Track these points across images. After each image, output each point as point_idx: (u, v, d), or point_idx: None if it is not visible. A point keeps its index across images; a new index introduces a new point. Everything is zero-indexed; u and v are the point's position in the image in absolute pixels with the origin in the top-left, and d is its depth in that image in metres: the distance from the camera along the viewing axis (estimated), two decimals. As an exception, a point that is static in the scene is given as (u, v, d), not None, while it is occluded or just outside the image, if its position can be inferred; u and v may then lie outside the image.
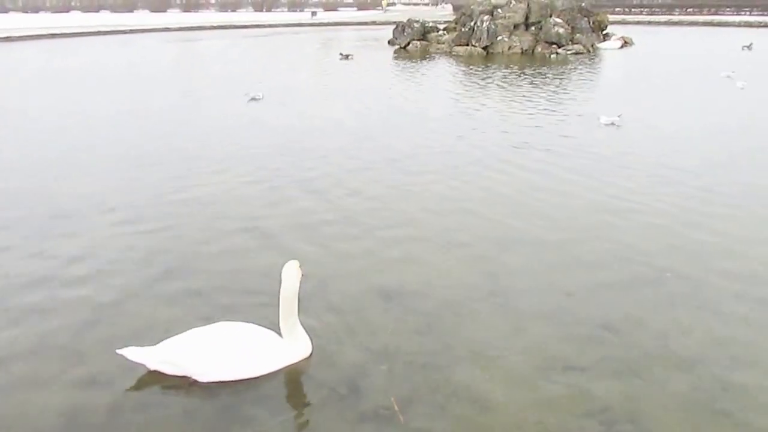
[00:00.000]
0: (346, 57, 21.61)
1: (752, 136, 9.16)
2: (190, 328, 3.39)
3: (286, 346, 3.39)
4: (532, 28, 23.84)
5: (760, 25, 37.20)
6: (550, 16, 23.83)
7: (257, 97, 12.74)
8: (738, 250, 4.91)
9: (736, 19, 42.42)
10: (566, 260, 4.70)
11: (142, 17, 60.73)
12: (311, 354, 3.41)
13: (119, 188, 6.69)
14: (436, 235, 5.24)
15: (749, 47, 22.71)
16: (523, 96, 13.09)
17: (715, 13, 47.86)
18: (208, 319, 3.67)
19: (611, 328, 3.70)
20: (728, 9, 50.01)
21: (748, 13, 48.04)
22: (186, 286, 4.29)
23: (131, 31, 39.03)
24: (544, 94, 13.27)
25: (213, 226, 5.48)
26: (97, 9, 79.54)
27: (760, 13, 46.99)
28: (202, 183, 6.85)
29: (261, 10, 63.51)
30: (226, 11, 62.78)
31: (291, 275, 3.37)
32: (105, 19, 57.85)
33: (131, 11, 75.61)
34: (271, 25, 44.43)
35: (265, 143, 8.79)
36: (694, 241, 5.08)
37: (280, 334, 3.42)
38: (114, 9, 77.80)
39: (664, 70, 17.30)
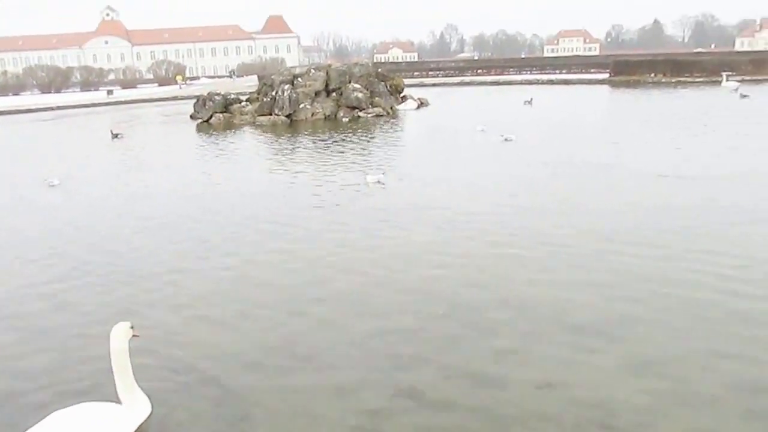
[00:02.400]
0: (116, 136, 20.57)
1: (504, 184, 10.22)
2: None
3: (124, 412, 3.43)
4: (333, 94, 24.99)
5: (538, 82, 43.00)
6: (350, 82, 25.21)
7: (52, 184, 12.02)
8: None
9: (519, 77, 48.34)
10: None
11: None
12: (151, 413, 3.43)
13: None
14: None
15: (530, 102, 25.76)
16: (323, 161, 13.58)
17: (501, 74, 54.23)
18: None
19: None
20: (512, 69, 57.21)
21: (528, 72, 55.15)
22: None
23: None
24: (336, 159, 13.85)
25: None
26: None
27: (539, 71, 54.22)
28: None
29: (49, 92, 59.14)
30: (7, 95, 57.38)
31: (118, 336, 3.57)
32: None
33: None
34: (60, 107, 41.40)
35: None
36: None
37: (118, 400, 3.47)
38: None
39: (450, 127, 19.06)
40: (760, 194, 8.75)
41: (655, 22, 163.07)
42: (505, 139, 14.78)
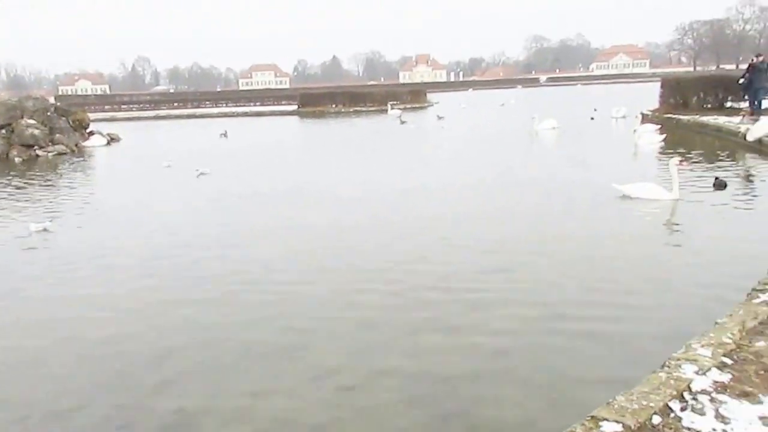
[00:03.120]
0: None
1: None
2: None
3: None
4: (3, 131, 22.37)
5: (234, 114, 44.42)
6: (22, 118, 22.87)
7: None
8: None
9: (215, 111, 49.17)
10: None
11: None
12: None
13: None
14: None
15: (225, 135, 26.46)
16: None
17: (198, 107, 54.41)
18: None
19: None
20: (208, 102, 57.75)
21: (224, 105, 56.32)
22: None
23: None
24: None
25: None
26: None
27: (234, 104, 55.75)
28: None
29: None
30: None
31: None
32: None
33: None
34: None
35: None
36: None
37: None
38: None
39: (142, 162, 18.81)
40: (421, 205, 11.14)
41: (334, 58, 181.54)
42: (201, 173, 14.91)
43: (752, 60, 19.58)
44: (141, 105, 58.65)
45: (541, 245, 7.72)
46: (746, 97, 19.73)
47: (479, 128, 25.52)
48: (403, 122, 29.04)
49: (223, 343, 5.33)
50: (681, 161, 9.78)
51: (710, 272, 6.46)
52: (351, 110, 41.05)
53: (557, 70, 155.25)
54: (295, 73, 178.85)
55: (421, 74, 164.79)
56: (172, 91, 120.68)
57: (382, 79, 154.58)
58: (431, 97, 51.89)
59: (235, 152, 20.60)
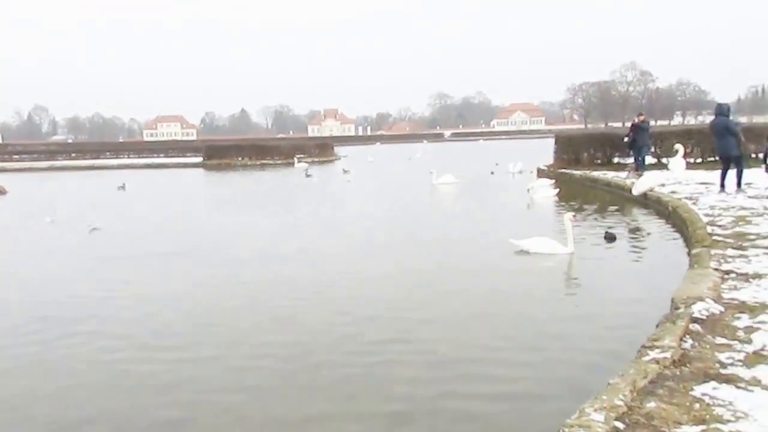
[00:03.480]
0: None
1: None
2: None
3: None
4: None
5: (135, 166, 42.70)
6: None
7: None
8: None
9: (115, 162, 47.05)
10: None
11: None
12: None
13: None
14: None
15: (123, 187, 25.28)
16: None
17: (97, 158, 51.94)
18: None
19: None
20: (108, 153, 55.38)
21: (126, 156, 54.07)
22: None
23: None
24: None
25: None
26: None
27: (136, 156, 53.68)
28: None
29: None
30: None
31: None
32: None
33: None
34: None
35: None
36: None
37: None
38: None
39: (25, 219, 17.41)
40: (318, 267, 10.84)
41: (243, 111, 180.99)
42: (93, 229, 14.08)
43: (634, 120, 21.19)
44: (35, 155, 55.35)
45: (439, 303, 7.63)
46: (632, 153, 21.23)
47: (383, 182, 25.82)
48: (308, 176, 29.00)
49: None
50: (574, 216, 10.20)
51: (605, 327, 6.58)
52: (258, 163, 40.56)
53: (461, 126, 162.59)
54: (202, 125, 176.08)
55: (330, 128, 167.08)
56: (70, 141, 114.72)
57: (291, 132, 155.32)
58: (339, 150, 52.58)
59: (133, 205, 19.63)
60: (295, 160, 37.43)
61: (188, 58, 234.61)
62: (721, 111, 14.08)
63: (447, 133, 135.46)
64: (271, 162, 40.88)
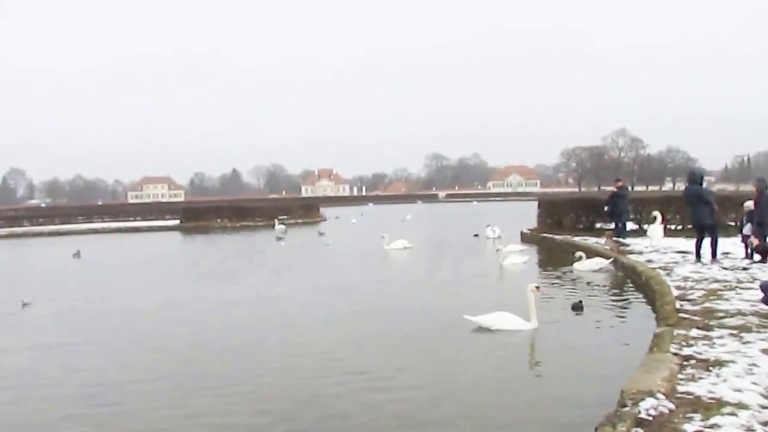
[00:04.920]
0: None
1: None
2: None
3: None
4: None
5: (105, 230, 41.45)
6: None
7: None
8: None
9: (84, 227, 45.08)
10: None
11: None
12: None
13: None
14: None
15: (78, 255, 23.58)
16: None
17: (68, 222, 49.47)
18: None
19: None
20: (81, 217, 53.00)
21: (100, 220, 52.03)
22: None
23: None
24: None
25: None
26: None
27: (111, 219, 51.95)
28: None
29: None
30: None
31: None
32: None
33: None
34: None
35: None
36: None
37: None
38: None
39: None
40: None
41: (234, 170, 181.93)
42: (24, 304, 12.95)
43: (614, 186, 20.92)
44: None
45: (388, 387, 6.94)
46: (612, 220, 20.83)
47: (358, 246, 24.96)
48: (279, 239, 28.38)
49: None
50: (536, 288, 9.51)
51: (567, 405, 6.19)
52: (238, 225, 40.00)
53: (456, 187, 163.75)
54: (191, 186, 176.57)
55: (324, 188, 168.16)
56: (43, 205, 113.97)
57: (284, 193, 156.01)
58: (332, 211, 52.13)
59: (80, 276, 18.32)
60: (276, 222, 36.90)
61: (178, 117, 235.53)
62: (694, 179, 13.73)
63: (441, 194, 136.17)
64: (251, 224, 40.33)
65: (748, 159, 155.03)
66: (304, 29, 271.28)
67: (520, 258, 16.58)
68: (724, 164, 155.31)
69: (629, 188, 22.84)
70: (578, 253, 15.37)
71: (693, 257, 13.52)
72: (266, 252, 24.19)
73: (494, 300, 11.00)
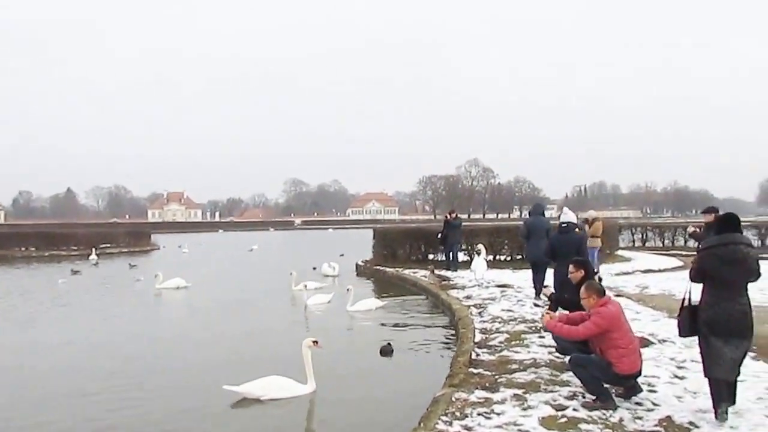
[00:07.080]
0: None
1: None
2: None
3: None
4: None
5: None
6: None
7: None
8: None
9: None
10: None
11: None
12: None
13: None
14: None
15: None
16: None
17: None
18: None
19: None
20: None
21: None
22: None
23: None
24: None
25: None
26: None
27: None
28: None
29: None
30: None
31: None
32: None
33: None
34: None
35: None
36: None
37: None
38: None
39: None
40: None
41: (68, 190, 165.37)
42: None
43: (446, 216, 20.51)
44: None
45: None
46: (443, 250, 20.40)
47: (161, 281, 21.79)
48: (74, 273, 24.66)
49: None
50: (315, 342, 8.07)
51: None
52: (46, 254, 35.28)
53: (315, 213, 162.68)
54: (15, 207, 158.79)
55: (173, 213, 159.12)
56: None
57: (128, 217, 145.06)
58: (175, 239, 48.04)
59: None
60: (93, 251, 32.97)
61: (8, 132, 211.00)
62: (539, 210, 13.50)
63: (298, 221, 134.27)
64: (64, 253, 35.80)
65: (585, 189, 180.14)
66: (163, 47, 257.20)
67: (324, 297, 15.20)
68: (564, 193, 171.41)
69: (463, 219, 22.59)
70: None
71: (523, 293, 13.02)
72: (33, 292, 19.59)
73: (276, 353, 9.45)
